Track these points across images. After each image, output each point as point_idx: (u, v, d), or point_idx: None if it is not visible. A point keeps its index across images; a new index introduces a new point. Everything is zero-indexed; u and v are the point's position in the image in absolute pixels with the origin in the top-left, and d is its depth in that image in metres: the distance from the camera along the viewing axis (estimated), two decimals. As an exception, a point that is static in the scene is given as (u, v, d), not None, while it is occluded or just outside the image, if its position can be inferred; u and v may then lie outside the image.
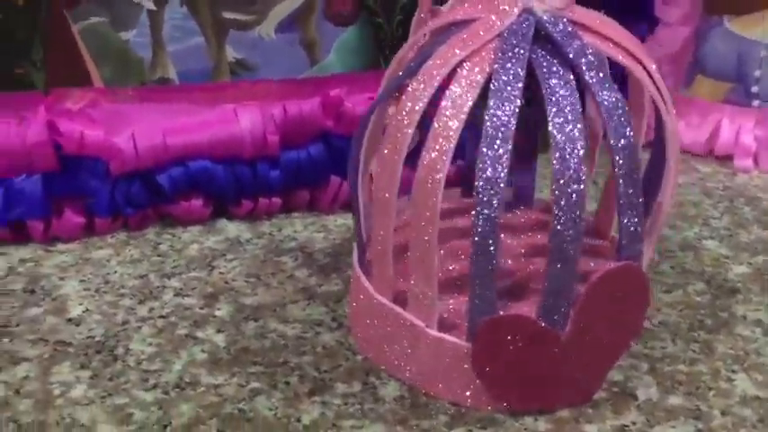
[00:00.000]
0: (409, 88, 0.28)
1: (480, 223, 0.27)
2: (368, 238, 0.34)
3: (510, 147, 0.27)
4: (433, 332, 0.31)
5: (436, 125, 0.28)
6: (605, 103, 0.28)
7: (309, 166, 0.43)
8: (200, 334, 0.36)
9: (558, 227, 0.27)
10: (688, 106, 0.54)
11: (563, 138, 0.27)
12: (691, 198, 0.49)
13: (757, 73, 0.52)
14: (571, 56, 0.28)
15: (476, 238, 0.28)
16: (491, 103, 0.27)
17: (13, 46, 0.38)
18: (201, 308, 0.37)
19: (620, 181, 0.28)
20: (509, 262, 0.36)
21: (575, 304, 0.29)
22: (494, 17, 0.29)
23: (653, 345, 0.36)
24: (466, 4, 0.31)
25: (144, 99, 0.41)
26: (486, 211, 0.27)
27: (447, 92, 0.28)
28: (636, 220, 0.28)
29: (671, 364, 0.35)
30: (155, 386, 0.33)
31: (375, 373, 0.34)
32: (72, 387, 0.32)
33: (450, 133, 0.27)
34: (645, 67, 0.30)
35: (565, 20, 0.29)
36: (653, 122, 0.33)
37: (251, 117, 0.42)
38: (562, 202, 0.27)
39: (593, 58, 0.28)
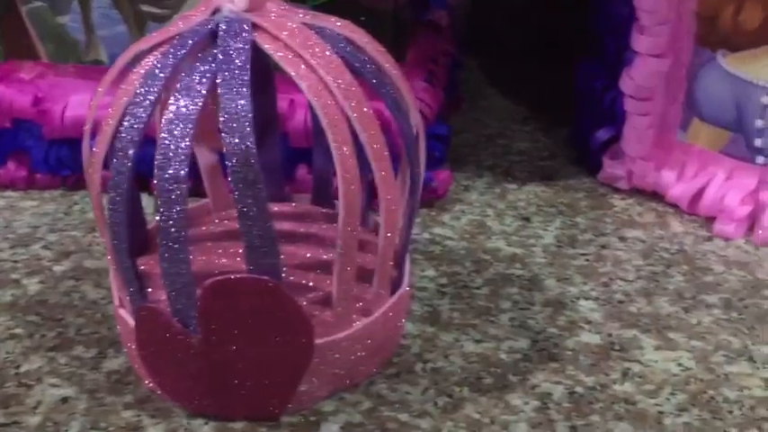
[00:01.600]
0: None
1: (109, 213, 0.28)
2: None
3: (132, 153, 0.27)
4: (120, 309, 0.32)
5: (103, 125, 0.29)
6: (226, 106, 0.27)
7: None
8: (24, 281, 0.40)
9: (162, 227, 0.27)
10: (684, 153, 0.46)
11: (167, 134, 0.27)
12: (621, 254, 0.42)
13: (759, 123, 0.43)
14: (220, 56, 0.27)
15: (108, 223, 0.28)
16: (131, 104, 0.28)
17: (-24, 20, 0.46)
18: (49, 261, 0.42)
19: (236, 180, 0.26)
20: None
21: (198, 309, 0.28)
22: (194, 17, 0.30)
23: (397, 388, 0.33)
24: (201, 6, 0.31)
25: (81, 76, 0.47)
26: (116, 198, 0.28)
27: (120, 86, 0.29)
28: (257, 231, 0.27)
29: (395, 411, 0.32)
30: (-50, 312, 0.38)
31: (117, 347, 0.35)
32: None
33: (104, 131, 0.29)
34: (323, 80, 0.28)
35: (246, 23, 0.28)
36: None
37: (164, 103, 0.46)
38: (160, 200, 0.27)
39: (239, 63, 0.27)
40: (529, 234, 0.44)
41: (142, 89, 0.28)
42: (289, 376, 0.30)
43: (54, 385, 0.33)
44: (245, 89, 0.27)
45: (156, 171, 0.27)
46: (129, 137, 0.28)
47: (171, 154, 0.27)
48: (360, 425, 0.31)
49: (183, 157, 0.27)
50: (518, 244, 0.43)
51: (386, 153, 0.29)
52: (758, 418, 0.32)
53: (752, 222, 0.44)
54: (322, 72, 0.28)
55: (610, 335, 0.36)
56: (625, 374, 0.34)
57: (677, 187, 0.46)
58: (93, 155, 0.30)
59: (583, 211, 0.47)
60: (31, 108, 0.46)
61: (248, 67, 0.27)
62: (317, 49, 0.28)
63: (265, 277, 0.27)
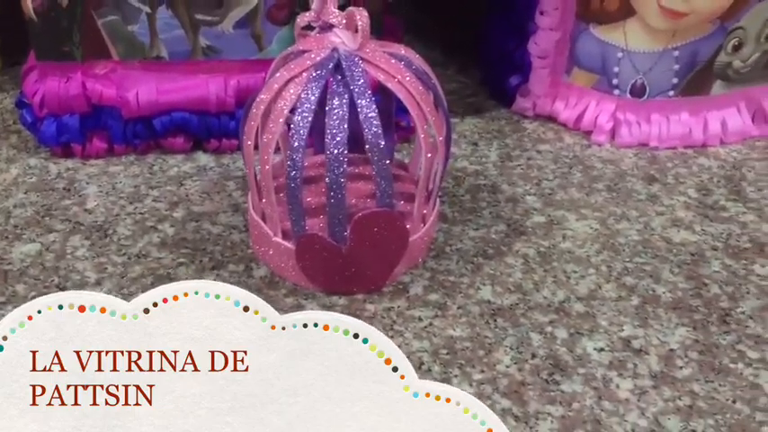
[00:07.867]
0: (258, 96, 0.48)
1: (290, 172, 0.47)
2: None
3: (304, 142, 0.46)
4: (276, 239, 0.51)
5: (269, 124, 0.47)
6: (364, 112, 0.46)
7: (256, 121, 0.63)
8: (159, 226, 0.57)
9: (328, 184, 0.46)
10: (568, 90, 0.70)
11: (330, 137, 0.46)
12: (540, 162, 0.66)
13: (616, 69, 0.67)
14: (349, 81, 0.46)
15: (287, 180, 0.47)
16: (296, 112, 0.46)
17: (60, 32, 0.59)
18: (166, 210, 0.59)
19: (372, 158, 0.46)
20: (352, 201, 0.55)
21: (349, 231, 0.48)
22: (317, 51, 0.48)
23: (441, 262, 0.55)
24: (312, 40, 0.49)
25: (146, 69, 0.62)
26: (293, 174, 0.47)
27: (275, 103, 0.47)
28: (384, 186, 0.47)
29: (445, 275, 0.54)
30: (124, 254, 0.55)
31: (256, 262, 0.54)
32: (77, 249, 0.55)
33: (273, 128, 0.47)
34: (409, 90, 0.47)
35: (357, 57, 0.47)
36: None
37: (216, 85, 0.62)
38: (328, 171, 0.46)
39: (363, 83, 0.46)
40: (480, 155, 0.66)
41: (306, 97, 0.46)
42: (391, 264, 0.51)
43: (231, 290, 0.52)
44: (371, 98, 0.46)
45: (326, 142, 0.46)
46: (296, 143, 0.46)
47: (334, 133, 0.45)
48: (429, 287, 0.53)
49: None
50: (476, 162, 0.65)
51: (443, 123, 0.50)
52: (638, 251, 0.57)
53: (613, 133, 0.69)
54: (410, 88, 0.47)
55: (549, 215, 0.60)
56: (564, 237, 0.58)
57: (565, 113, 0.70)
58: (263, 138, 0.47)
59: (509, 134, 0.69)
60: (116, 97, 0.61)
61: (368, 85, 0.46)
62: (406, 76, 0.47)
63: (389, 210, 0.48)
